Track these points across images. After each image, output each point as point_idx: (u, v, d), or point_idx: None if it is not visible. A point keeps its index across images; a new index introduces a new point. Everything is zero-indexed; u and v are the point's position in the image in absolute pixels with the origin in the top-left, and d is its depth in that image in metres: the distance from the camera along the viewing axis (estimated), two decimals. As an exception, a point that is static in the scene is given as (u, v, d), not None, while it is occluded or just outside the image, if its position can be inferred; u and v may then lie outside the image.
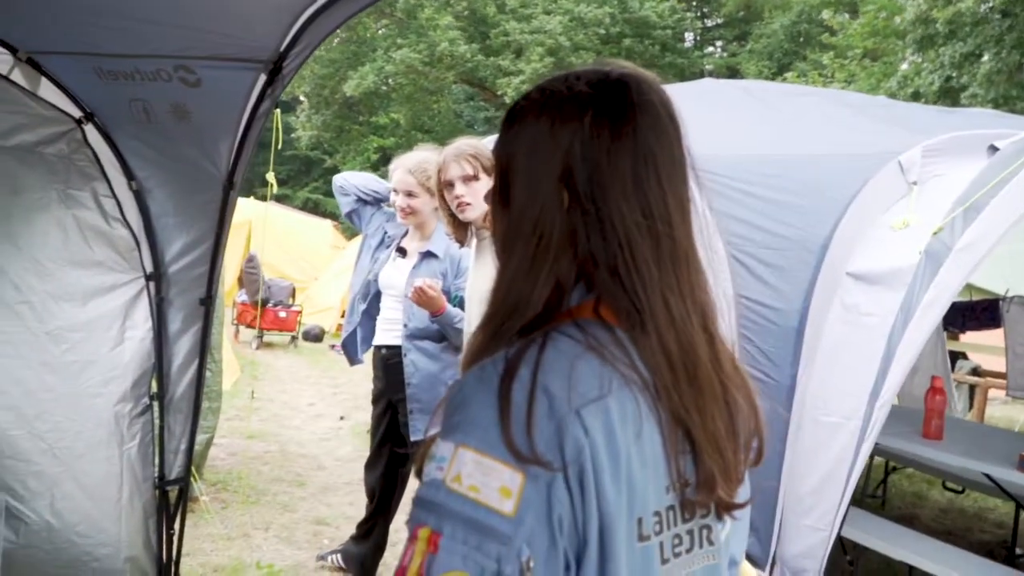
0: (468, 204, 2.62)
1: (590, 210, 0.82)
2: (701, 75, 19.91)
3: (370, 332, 3.46)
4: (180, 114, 2.44)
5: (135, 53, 2.26)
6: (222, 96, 2.37)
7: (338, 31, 22.32)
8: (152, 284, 2.69)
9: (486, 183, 2.59)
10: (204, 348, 2.79)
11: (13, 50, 2.31)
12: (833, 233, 2.64)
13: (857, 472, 2.30)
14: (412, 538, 0.75)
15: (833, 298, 2.62)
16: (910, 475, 5.56)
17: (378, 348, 3.40)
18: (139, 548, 2.74)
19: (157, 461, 2.80)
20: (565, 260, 0.83)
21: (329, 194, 26.25)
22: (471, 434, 0.74)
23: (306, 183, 27.65)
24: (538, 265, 0.83)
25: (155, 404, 2.75)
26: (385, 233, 3.50)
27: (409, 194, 3.24)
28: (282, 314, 10.58)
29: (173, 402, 2.79)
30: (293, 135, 23.62)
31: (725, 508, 0.86)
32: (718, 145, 3.13)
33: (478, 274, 2.63)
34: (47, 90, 2.43)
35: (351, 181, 3.57)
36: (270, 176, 2.70)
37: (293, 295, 11.16)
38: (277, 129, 2.48)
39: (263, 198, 14.07)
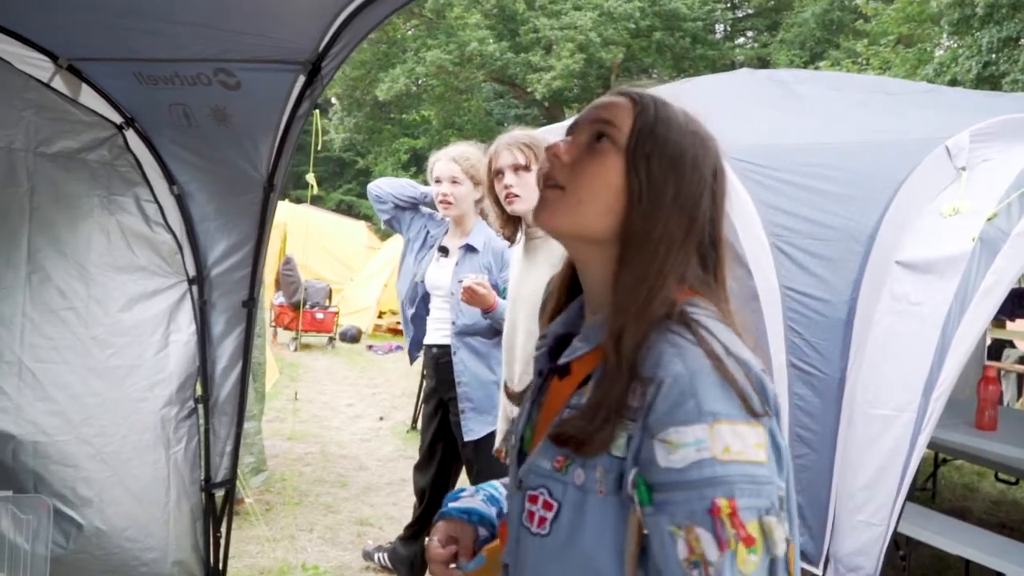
0: (517, 196, 2.55)
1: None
2: (732, 66, 19.65)
3: (422, 334, 3.46)
4: (220, 117, 2.45)
5: (174, 57, 2.28)
6: (262, 98, 2.38)
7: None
8: (195, 288, 2.71)
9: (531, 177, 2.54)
10: (247, 350, 2.80)
11: (54, 57, 2.34)
12: (881, 222, 2.57)
13: (913, 466, 2.24)
14: (711, 512, 0.85)
15: (882, 288, 2.56)
16: (959, 467, 5.44)
17: (428, 347, 3.40)
18: (187, 551, 2.77)
19: (203, 464, 2.82)
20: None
21: (363, 196, 26.56)
22: (719, 412, 0.86)
23: (339, 185, 27.83)
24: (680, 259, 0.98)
25: (200, 407, 2.77)
26: (428, 233, 3.49)
27: (453, 181, 3.19)
28: (319, 315, 10.65)
29: (218, 405, 2.80)
30: (326, 137, 23.72)
31: None
32: (758, 135, 3.08)
33: (527, 276, 2.56)
34: (88, 96, 2.45)
35: (385, 188, 3.53)
36: (310, 177, 2.71)
37: (330, 296, 11.23)
38: (317, 131, 2.48)
39: (297, 200, 14.20)
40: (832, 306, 2.56)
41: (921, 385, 2.26)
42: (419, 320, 3.47)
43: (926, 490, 4.92)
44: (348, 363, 9.78)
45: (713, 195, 1.00)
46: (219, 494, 2.89)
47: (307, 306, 10.58)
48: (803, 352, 2.55)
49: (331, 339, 10.88)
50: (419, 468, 3.56)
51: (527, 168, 2.54)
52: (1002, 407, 4.01)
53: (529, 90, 19.92)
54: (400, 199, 3.50)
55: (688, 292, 0.98)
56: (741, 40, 24.65)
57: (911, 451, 2.23)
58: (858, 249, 2.58)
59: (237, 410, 2.82)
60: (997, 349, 6.97)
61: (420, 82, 21.29)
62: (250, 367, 2.80)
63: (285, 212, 10.81)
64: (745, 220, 2.72)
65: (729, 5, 24.40)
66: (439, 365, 3.31)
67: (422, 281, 3.38)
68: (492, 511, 1.23)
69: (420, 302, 3.43)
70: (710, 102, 3.81)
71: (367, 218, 22.31)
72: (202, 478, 2.81)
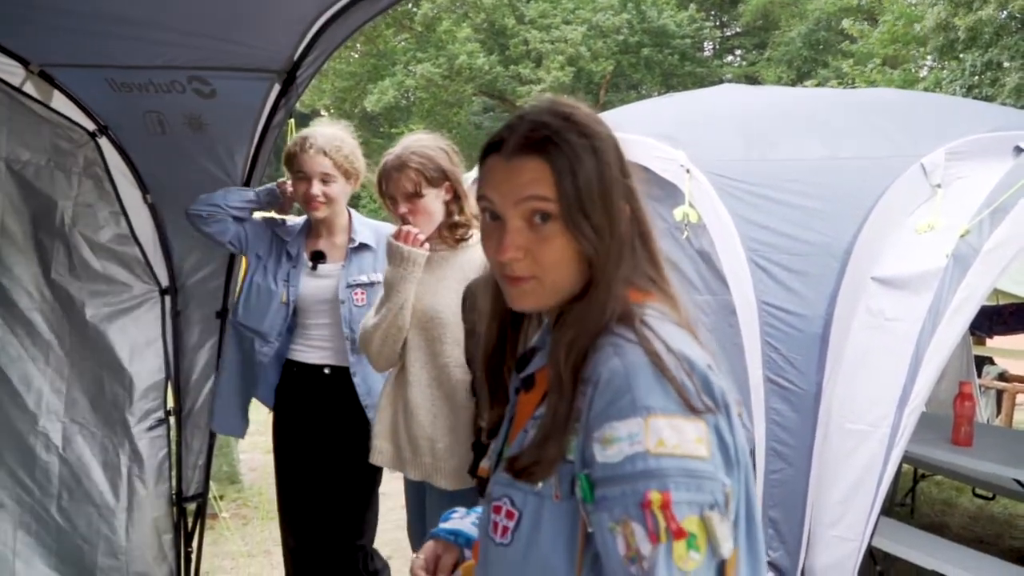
0: (416, 228, 2.19)
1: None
2: (720, 83, 19.81)
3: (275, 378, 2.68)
4: (195, 125, 2.44)
5: (148, 64, 2.27)
6: (237, 106, 2.38)
7: (357, 44, 22.31)
8: (167, 298, 2.68)
9: (433, 196, 2.22)
10: (221, 362, 2.77)
11: (25, 63, 2.33)
12: (856, 238, 2.58)
13: (887, 481, 2.23)
14: (643, 506, 0.85)
15: (858, 304, 2.55)
16: (939, 482, 5.45)
17: (304, 367, 2.63)
18: (149, 564, 2.72)
19: (174, 477, 2.79)
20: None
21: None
22: (653, 406, 0.87)
23: (327, 197, 27.64)
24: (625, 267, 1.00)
25: (171, 419, 2.74)
26: (282, 243, 2.65)
27: (324, 178, 2.50)
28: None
29: (191, 417, 2.78)
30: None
31: None
32: (739, 150, 3.09)
33: (426, 291, 2.22)
34: (60, 103, 2.44)
35: (209, 203, 2.55)
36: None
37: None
38: (291, 136, 2.47)
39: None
40: (808, 321, 2.55)
41: (895, 400, 2.26)
42: (278, 357, 2.64)
43: (904, 505, 4.92)
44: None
45: (631, 192, 1.03)
46: (190, 507, 2.86)
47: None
48: (779, 367, 2.54)
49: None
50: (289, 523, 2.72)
51: (417, 195, 2.19)
52: (978, 423, 4.02)
53: (519, 103, 19.96)
54: (233, 208, 2.58)
55: (639, 295, 1.00)
56: (729, 58, 24.83)
57: (885, 465, 2.22)
58: (834, 264, 2.58)
59: (210, 423, 2.79)
60: (978, 366, 7.01)
61: (409, 95, 21.32)
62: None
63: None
64: (724, 235, 2.72)
65: (718, 24, 24.59)
66: (323, 387, 2.61)
67: (293, 300, 2.57)
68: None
69: (287, 330, 2.61)
70: (692, 116, 3.80)
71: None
72: (173, 492, 2.78)
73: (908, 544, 3.17)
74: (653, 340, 0.91)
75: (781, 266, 2.65)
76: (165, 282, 2.66)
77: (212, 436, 2.80)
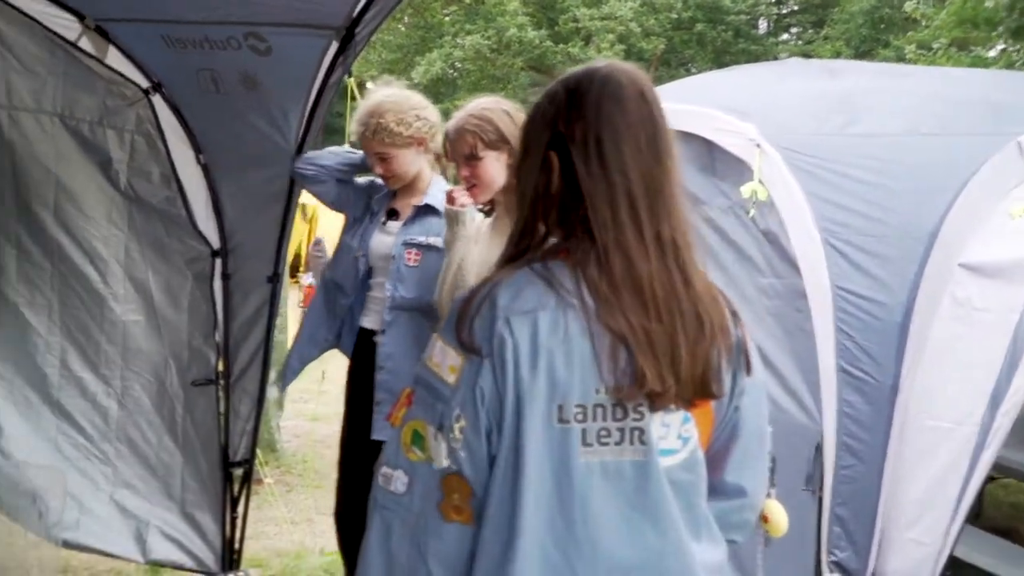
0: (474, 187, 2.22)
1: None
2: (775, 61, 19.32)
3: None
4: (250, 84, 2.36)
5: (204, 20, 2.19)
6: (293, 65, 2.28)
7: (405, 16, 22.26)
8: (219, 260, 2.62)
9: (493, 158, 2.19)
10: (270, 327, 2.71)
11: (81, 16, 2.26)
12: (943, 220, 2.42)
13: (975, 485, 2.09)
14: (400, 395, 1.09)
15: (943, 292, 2.40)
16: (1005, 485, 5.23)
17: (365, 332, 2.60)
18: (201, 512, 2.78)
19: (222, 441, 2.74)
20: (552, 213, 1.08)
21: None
22: (445, 331, 1.04)
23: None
24: (531, 218, 1.09)
25: (220, 384, 2.69)
26: (370, 203, 2.67)
27: (383, 156, 2.48)
28: (347, 297, 10.57)
29: (240, 383, 2.72)
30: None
31: (658, 398, 1.00)
32: (811, 124, 2.92)
33: (489, 253, 2.07)
34: (115, 59, 2.37)
35: (318, 163, 2.57)
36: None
37: (358, 278, 11.14)
38: (351, 98, 2.37)
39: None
40: (888, 309, 2.41)
41: (986, 398, 2.10)
42: (354, 311, 2.65)
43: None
44: (374, 346, 9.70)
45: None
46: (237, 473, 2.82)
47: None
48: (854, 356, 2.39)
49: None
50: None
51: (475, 158, 2.17)
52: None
53: (567, 80, 19.68)
54: (340, 169, 2.61)
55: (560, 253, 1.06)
56: (784, 36, 24.19)
57: (972, 468, 2.08)
58: (918, 249, 2.42)
59: (259, 389, 2.73)
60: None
61: (457, 67, 21.16)
62: (272, 344, 2.70)
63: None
64: (796, 214, 2.56)
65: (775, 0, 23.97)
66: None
67: (364, 255, 2.57)
68: None
69: (362, 284, 2.61)
70: (760, 89, 3.61)
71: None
72: (220, 456, 2.74)
73: (978, 549, 3.01)
74: (490, 284, 1.03)
75: (859, 248, 2.50)
76: (216, 244, 2.59)
77: (260, 402, 2.74)
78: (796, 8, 24.09)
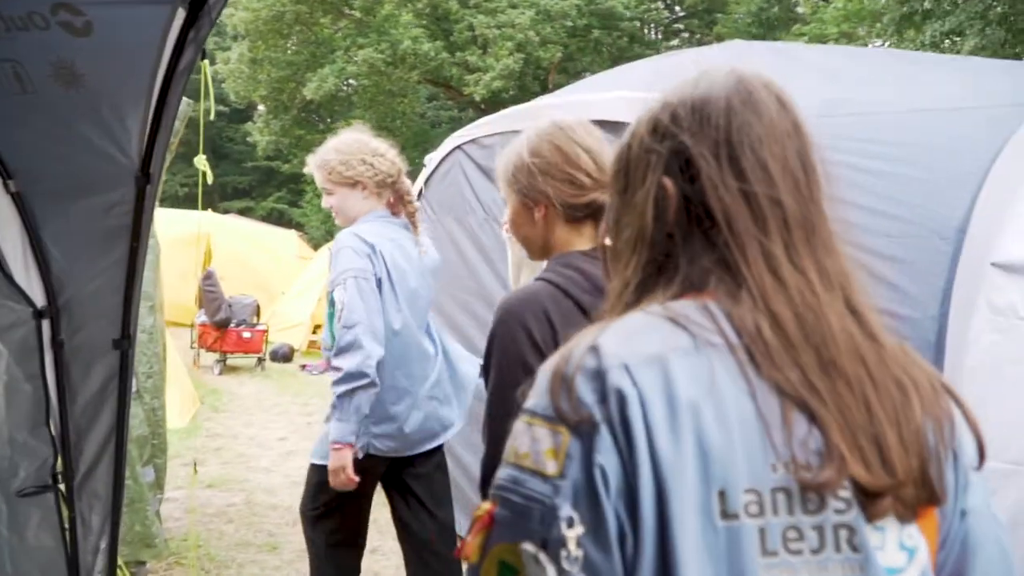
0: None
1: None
2: (671, 65, 19.44)
3: None
4: (67, 79, 1.70)
5: (-12, -14, 1.53)
6: (124, 47, 1.64)
7: (294, 32, 21.51)
8: (46, 323, 1.94)
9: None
10: (124, 403, 2.04)
11: None
12: (971, 212, 1.99)
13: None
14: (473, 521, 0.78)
15: (977, 298, 1.96)
16: None
17: None
18: None
19: (69, 563, 2.05)
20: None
21: (294, 203, 25.71)
22: (530, 407, 0.76)
23: (269, 193, 26.88)
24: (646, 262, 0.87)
25: (60, 489, 2.00)
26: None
27: (325, 192, 2.63)
28: (246, 334, 9.71)
29: (87, 484, 2.04)
30: (250, 141, 23.10)
31: (871, 502, 0.72)
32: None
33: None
34: None
35: None
36: (199, 161, 1.94)
37: (258, 313, 10.30)
38: (207, 85, 1.74)
39: (225, 211, 13.19)
40: (917, 325, 1.96)
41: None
42: None
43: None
44: (280, 387, 8.91)
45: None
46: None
47: (233, 324, 9.65)
48: (884, 387, 1.93)
49: (260, 360, 9.95)
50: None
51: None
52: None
53: (466, 92, 19.27)
54: None
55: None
56: (675, 41, 24.52)
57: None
58: (944, 248, 1.99)
59: (113, 489, 2.05)
60: None
61: (351, 83, 20.48)
62: (127, 430, 2.03)
63: (209, 223, 10.51)
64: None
65: (665, 4, 24.31)
66: None
67: None
68: None
69: None
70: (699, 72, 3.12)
71: (299, 226, 21.37)
72: (68, 582, 2.05)
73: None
74: (588, 333, 0.77)
75: (874, 253, 2.03)
76: (40, 302, 1.91)
77: (117, 507, 2.06)
78: (683, 14, 24.47)
